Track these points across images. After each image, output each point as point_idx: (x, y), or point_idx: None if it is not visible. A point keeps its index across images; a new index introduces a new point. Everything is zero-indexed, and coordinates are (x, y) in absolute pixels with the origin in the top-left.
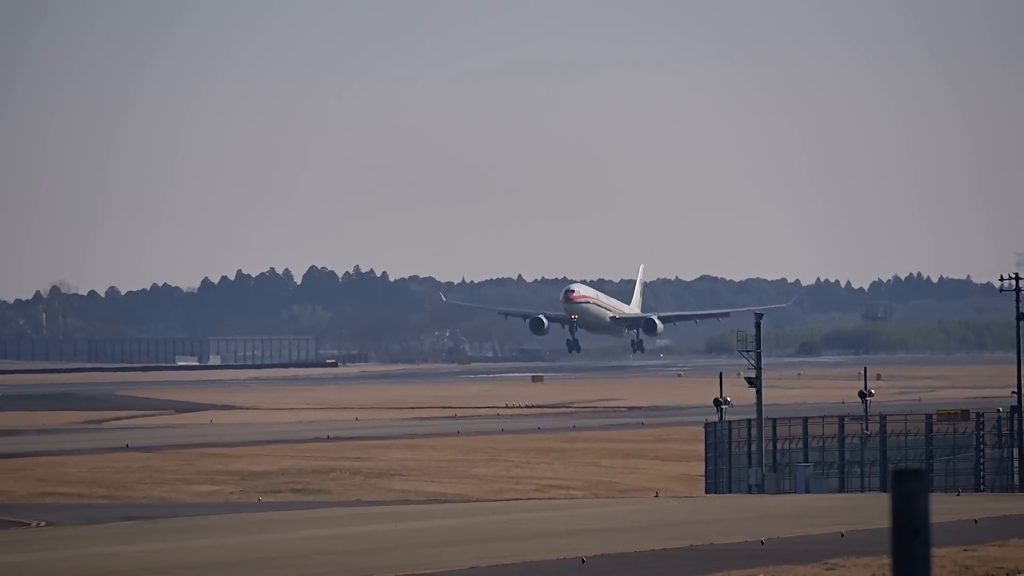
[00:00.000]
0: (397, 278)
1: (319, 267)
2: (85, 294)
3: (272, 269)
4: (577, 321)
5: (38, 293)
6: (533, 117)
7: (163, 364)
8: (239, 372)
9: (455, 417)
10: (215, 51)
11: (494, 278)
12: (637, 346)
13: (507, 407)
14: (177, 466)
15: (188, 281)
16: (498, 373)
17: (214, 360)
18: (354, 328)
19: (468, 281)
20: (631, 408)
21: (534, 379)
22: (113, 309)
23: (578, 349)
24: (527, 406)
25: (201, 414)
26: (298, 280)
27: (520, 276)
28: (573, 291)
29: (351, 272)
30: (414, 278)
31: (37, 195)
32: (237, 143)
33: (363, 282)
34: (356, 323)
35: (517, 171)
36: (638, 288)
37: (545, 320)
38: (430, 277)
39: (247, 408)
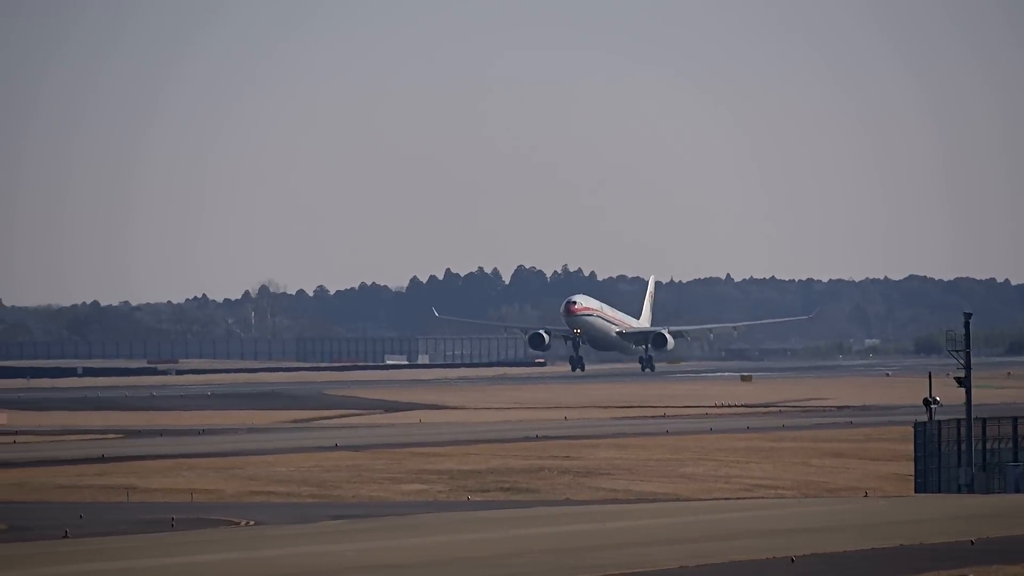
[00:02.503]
0: (605, 277)
1: (527, 266)
2: (294, 293)
3: (480, 268)
4: (580, 336)
5: (247, 292)
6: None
7: (372, 363)
8: (448, 371)
9: (664, 416)
10: (391, 45)
11: (702, 278)
12: (647, 363)
13: (716, 406)
14: (386, 465)
15: (397, 280)
16: (707, 372)
17: (423, 359)
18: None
19: (676, 281)
20: (840, 407)
21: (743, 378)
22: (322, 308)
23: (582, 367)
24: (736, 405)
25: (410, 413)
26: (506, 279)
27: (728, 276)
28: (575, 303)
29: (559, 271)
30: (622, 277)
31: (246, 195)
32: (444, 142)
33: (571, 281)
34: (562, 323)
35: (723, 170)
36: (647, 301)
37: (546, 336)
38: (638, 277)
39: (456, 407)
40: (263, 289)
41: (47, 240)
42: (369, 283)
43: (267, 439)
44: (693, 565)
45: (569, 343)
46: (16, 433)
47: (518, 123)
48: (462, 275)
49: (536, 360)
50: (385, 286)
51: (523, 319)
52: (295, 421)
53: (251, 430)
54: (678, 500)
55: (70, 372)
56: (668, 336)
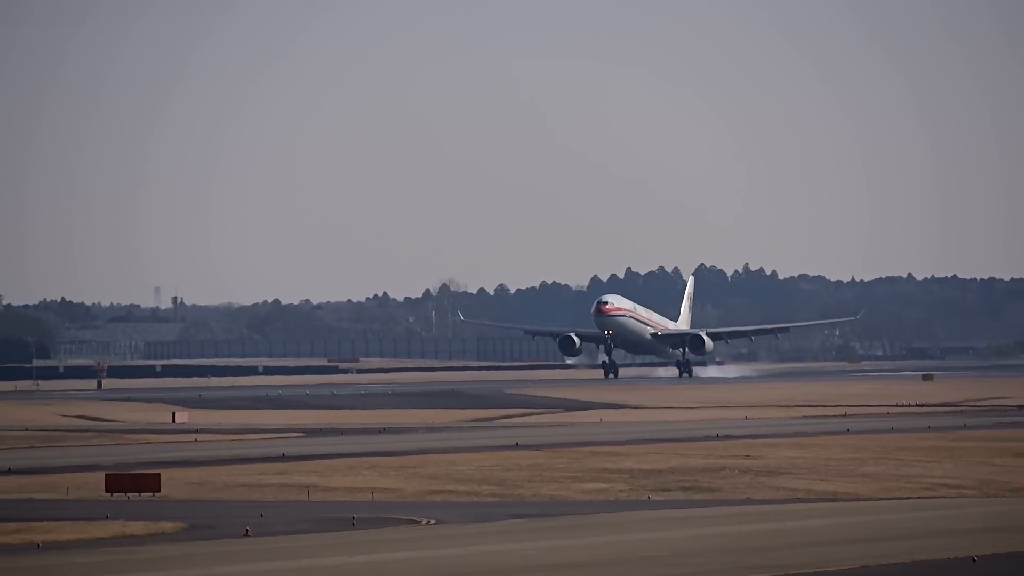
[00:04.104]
0: (787, 276)
1: (708, 265)
2: (474, 292)
3: (661, 267)
4: (612, 338)
5: (428, 291)
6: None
7: (552, 363)
8: (628, 370)
9: (845, 415)
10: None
11: (883, 276)
12: (684, 367)
13: (897, 405)
14: (566, 464)
15: (578, 279)
16: (888, 371)
17: (602, 359)
18: (743, 326)
19: (858, 280)
20: (1022, 407)
21: (924, 377)
22: (502, 307)
23: (615, 373)
24: (917, 404)
25: (590, 412)
26: (687, 278)
27: (910, 274)
28: (606, 303)
29: (740, 270)
30: (803, 276)
31: (427, 194)
32: (619, 141)
33: (752, 280)
34: (745, 321)
35: (904, 168)
36: (686, 302)
37: (577, 339)
38: (820, 276)
39: (636, 407)
40: (444, 288)
41: (228, 239)
42: (550, 282)
43: (448, 438)
44: (874, 565)
45: (602, 347)
46: (197, 431)
47: (686, 122)
48: (642, 274)
49: (716, 360)
50: (566, 285)
51: (704, 319)
52: (476, 420)
53: (431, 429)
54: (859, 499)
55: (251, 370)
56: (706, 338)
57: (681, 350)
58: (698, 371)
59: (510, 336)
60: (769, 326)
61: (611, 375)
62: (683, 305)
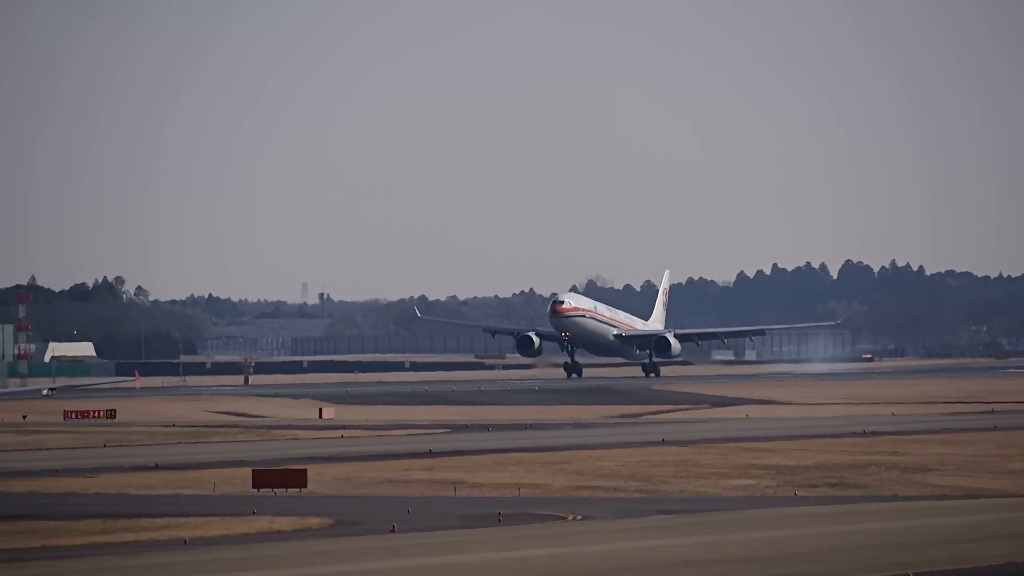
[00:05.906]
0: (933, 272)
1: (855, 261)
2: (620, 288)
3: (808, 263)
4: (572, 339)
5: (574, 287)
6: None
7: (697, 359)
8: (775, 366)
9: (992, 412)
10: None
11: None
12: (650, 368)
13: None
14: (713, 460)
15: (724, 275)
16: None
17: (749, 355)
18: (890, 322)
19: (1005, 275)
20: None
21: None
22: (649, 304)
23: (578, 373)
24: None
25: (737, 408)
26: (834, 274)
27: None
28: (562, 302)
29: (887, 266)
30: (950, 272)
31: (573, 189)
32: (776, 132)
33: (899, 276)
34: (892, 317)
35: None
36: (660, 300)
37: (536, 338)
38: (967, 272)
39: (783, 403)
40: (590, 284)
41: (375, 235)
42: (696, 278)
43: (594, 434)
44: (1021, 561)
45: (566, 347)
46: (343, 427)
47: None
48: (789, 270)
49: (863, 355)
50: (712, 281)
51: (851, 314)
52: (621, 416)
53: (577, 425)
54: (1006, 496)
55: (397, 366)
56: (672, 340)
57: (647, 352)
58: (664, 371)
59: None
60: (742, 328)
61: (574, 376)
62: (657, 302)
